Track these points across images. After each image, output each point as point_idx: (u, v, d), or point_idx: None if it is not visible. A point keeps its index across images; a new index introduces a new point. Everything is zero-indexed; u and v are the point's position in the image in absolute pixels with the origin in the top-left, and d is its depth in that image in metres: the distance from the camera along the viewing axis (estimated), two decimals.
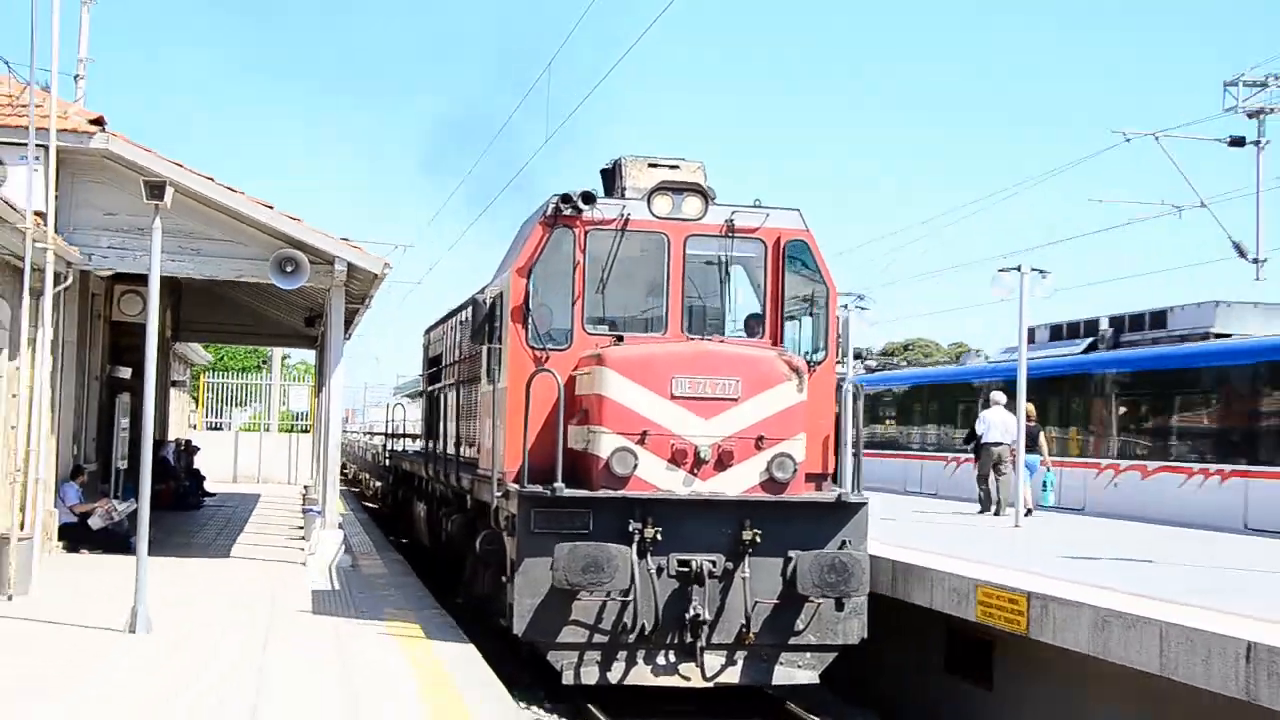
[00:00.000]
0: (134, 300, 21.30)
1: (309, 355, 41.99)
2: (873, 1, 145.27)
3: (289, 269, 17.10)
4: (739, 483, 11.77)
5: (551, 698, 12.56)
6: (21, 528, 14.39)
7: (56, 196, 15.32)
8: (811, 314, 13.35)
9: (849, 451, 12.94)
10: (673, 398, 11.64)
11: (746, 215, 12.98)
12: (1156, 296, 65.83)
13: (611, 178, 13.39)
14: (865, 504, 12.03)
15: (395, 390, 62.01)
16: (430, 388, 22.69)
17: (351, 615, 13.81)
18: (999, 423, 20.02)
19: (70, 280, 16.66)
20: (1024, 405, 18.80)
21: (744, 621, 11.45)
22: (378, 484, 36.34)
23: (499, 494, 12.19)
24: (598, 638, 11.42)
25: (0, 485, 15.66)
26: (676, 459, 11.63)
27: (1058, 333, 26.35)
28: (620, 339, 12.48)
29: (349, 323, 21.93)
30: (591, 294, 12.88)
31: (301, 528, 21.62)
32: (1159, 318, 25.94)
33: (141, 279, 15.75)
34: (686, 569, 11.41)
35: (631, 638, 11.36)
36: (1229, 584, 12.19)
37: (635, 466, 11.53)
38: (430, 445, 21.62)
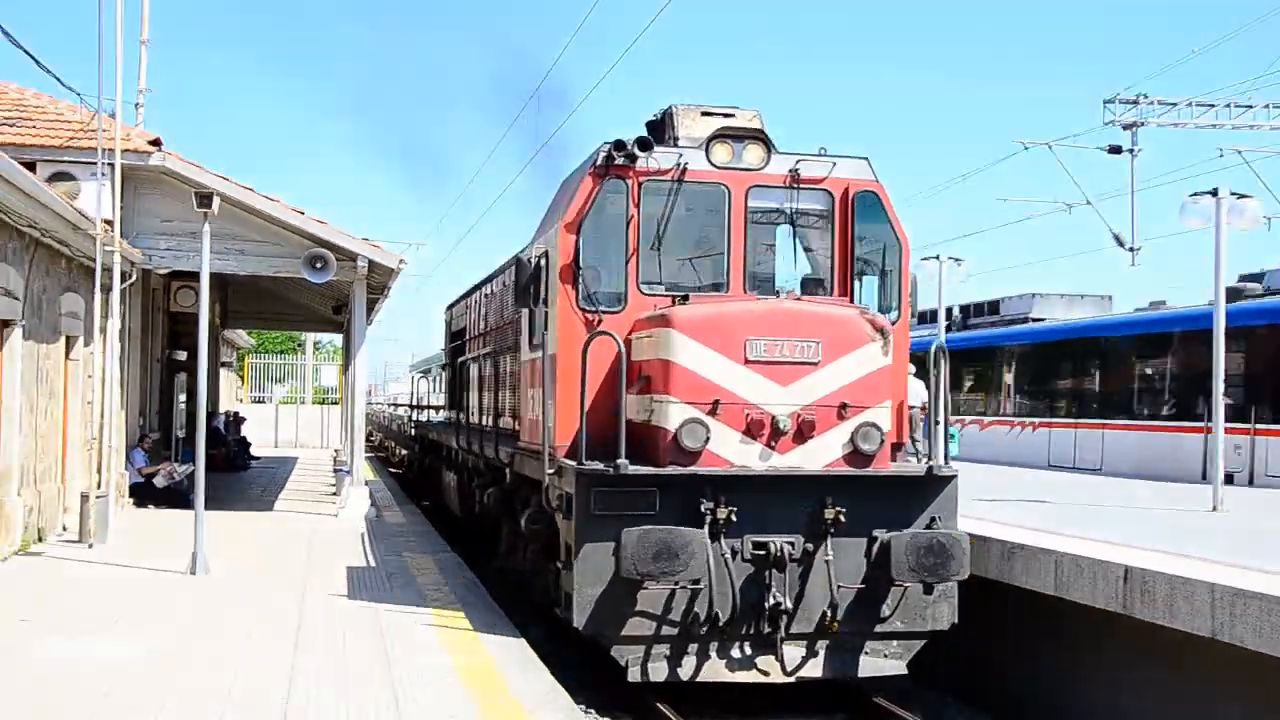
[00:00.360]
0: (188, 294, 21.31)
1: (337, 338, 41.98)
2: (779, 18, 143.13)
3: (318, 265, 17.06)
4: (820, 456, 9.35)
5: (594, 686, 9.90)
6: (98, 487, 14.57)
7: (121, 207, 15.29)
8: (883, 271, 10.86)
9: (933, 420, 10.89)
10: (747, 362, 9.22)
11: (812, 164, 10.49)
12: (1055, 281, 66.99)
13: (661, 129, 10.79)
14: (955, 477, 9.60)
15: (411, 368, 61.65)
16: (454, 361, 20.02)
17: (377, 556, 13.91)
18: (913, 389, 20.40)
19: (134, 278, 16.67)
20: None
21: (826, 609, 9.11)
22: (403, 451, 33.24)
23: (551, 471, 9.59)
24: (666, 629, 9.04)
25: (80, 452, 15.84)
26: (752, 430, 9.20)
27: (923, 317, 27.60)
28: (685, 298, 9.91)
29: (370, 310, 21.94)
30: (646, 251, 10.29)
31: (333, 485, 21.56)
32: (994, 306, 29.26)
33: (194, 276, 15.93)
34: (763, 552, 9.07)
35: (704, 629, 9.01)
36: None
37: (707, 440, 9.08)
38: (457, 416, 18.89)
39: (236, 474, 26.77)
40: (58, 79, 15.41)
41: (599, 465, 8.99)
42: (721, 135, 10.33)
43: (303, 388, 54.71)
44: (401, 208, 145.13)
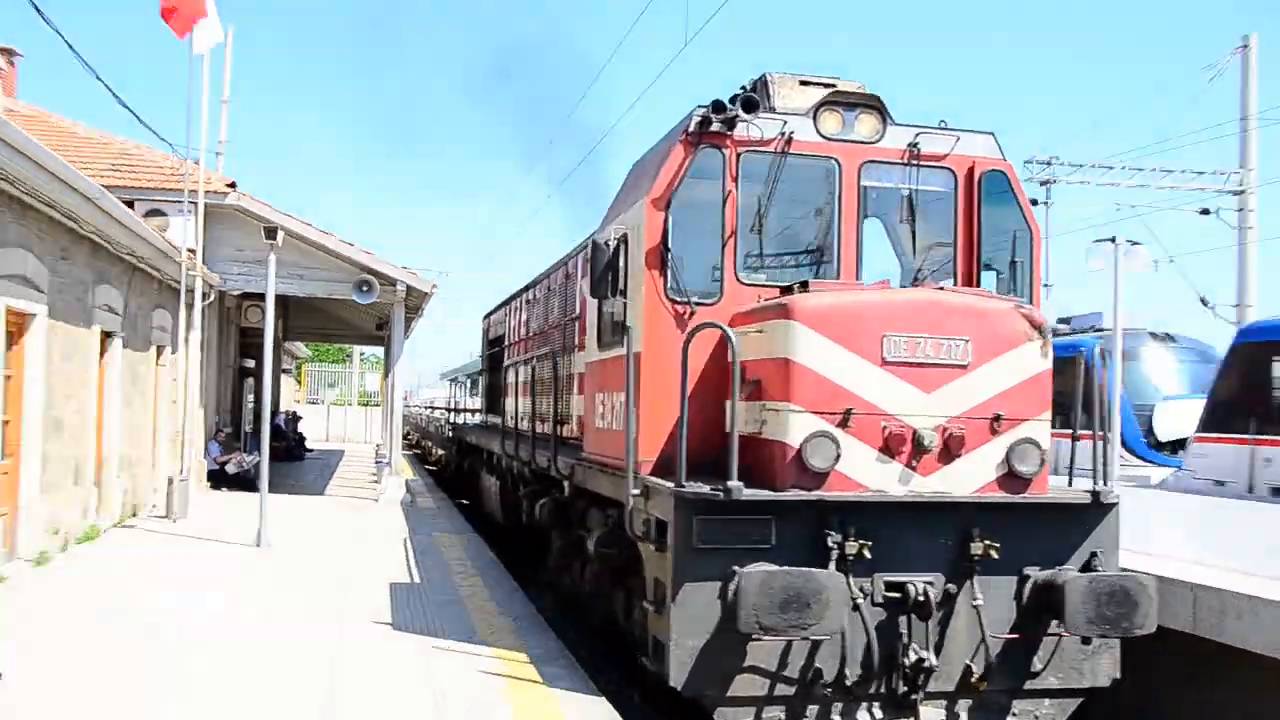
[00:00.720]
0: (256, 311, 21.29)
1: (379, 350, 42.41)
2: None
3: (365, 289, 17.43)
4: (970, 479, 6.76)
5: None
6: (181, 472, 14.88)
7: (202, 238, 15.36)
8: (1011, 262, 8.15)
9: (1096, 434, 7.33)
10: (884, 363, 6.68)
11: (933, 138, 7.96)
12: None
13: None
14: (1118, 504, 6.99)
15: (443, 375, 61.68)
16: (492, 366, 18.20)
17: (410, 535, 14.12)
18: None
19: (212, 298, 16.89)
20: None
21: (972, 663, 6.64)
22: (440, 451, 29.84)
23: (636, 492, 7.07)
24: (781, 688, 6.49)
25: (167, 442, 16.15)
26: (890, 447, 6.64)
27: None
28: (804, 285, 7.23)
29: (408, 326, 21.80)
30: (745, 233, 7.75)
31: (375, 475, 21.52)
32: None
33: (261, 296, 15.55)
34: (898, 595, 6.53)
35: (828, 689, 6.51)
36: None
37: (837, 458, 6.54)
38: (502, 421, 15.85)
39: (294, 463, 26.70)
40: (155, 133, 16.07)
41: (702, 487, 6.47)
42: (831, 102, 7.85)
43: (350, 392, 55.27)
44: (433, 234, 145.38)
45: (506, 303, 16.76)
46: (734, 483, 6.22)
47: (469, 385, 32.02)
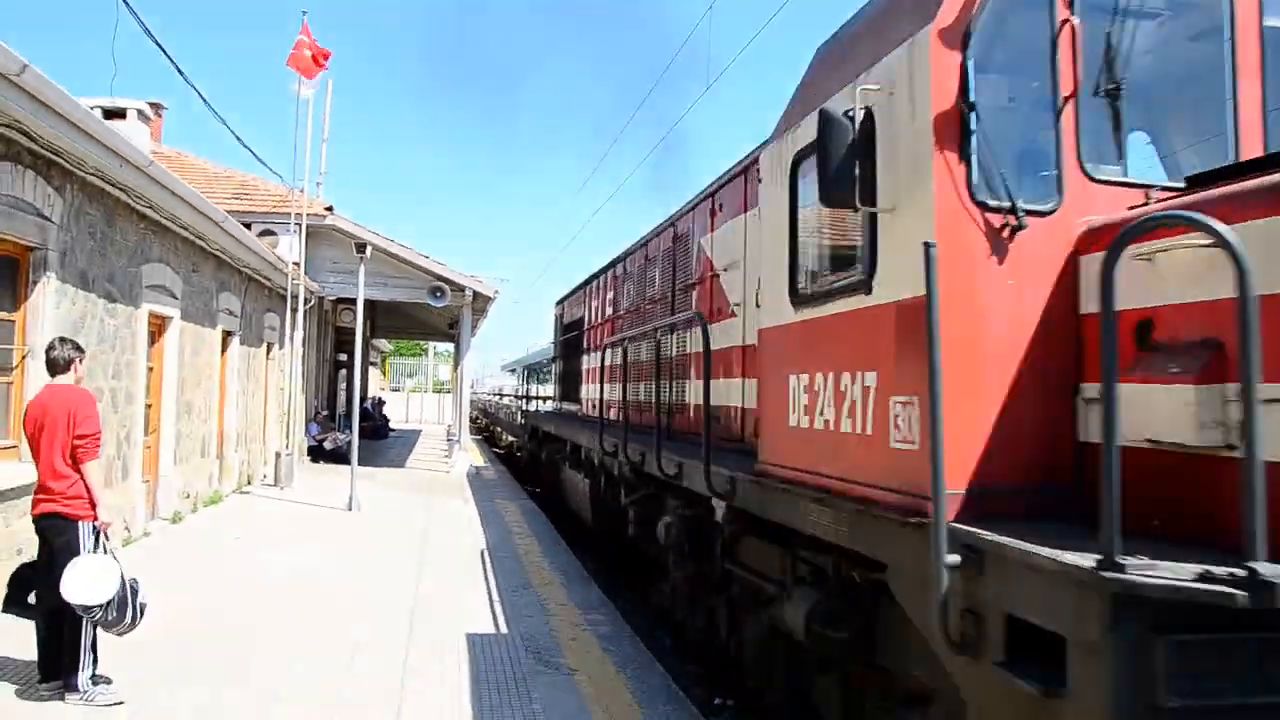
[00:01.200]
0: (348, 314, 21.35)
1: (449, 346, 42.76)
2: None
3: (438, 294, 17.69)
4: None
5: None
6: (286, 448, 15.15)
7: (305, 252, 15.65)
8: None
9: None
10: None
11: None
12: None
13: None
14: None
15: (502, 367, 61.83)
16: (569, 353, 15.15)
17: (476, 501, 14.37)
18: None
19: (312, 302, 17.30)
20: None
21: None
22: (510, 438, 24.96)
23: (953, 560, 2.85)
24: None
25: (275, 423, 16.42)
26: None
27: None
28: (1212, 177, 3.09)
29: (475, 325, 22.02)
30: (1089, 99, 3.44)
31: (446, 451, 21.67)
32: None
33: (352, 301, 15.60)
34: None
35: None
36: None
37: None
38: (573, 408, 13.92)
39: (380, 441, 26.80)
40: (268, 166, 16.41)
41: (1149, 565, 2.39)
42: None
43: (426, 381, 55.81)
44: (499, 242, 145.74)
45: (585, 285, 13.84)
46: (1266, 565, 2.28)
47: (536, 373, 27.42)
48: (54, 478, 4.80)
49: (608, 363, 10.82)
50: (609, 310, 11.64)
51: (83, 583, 4.64)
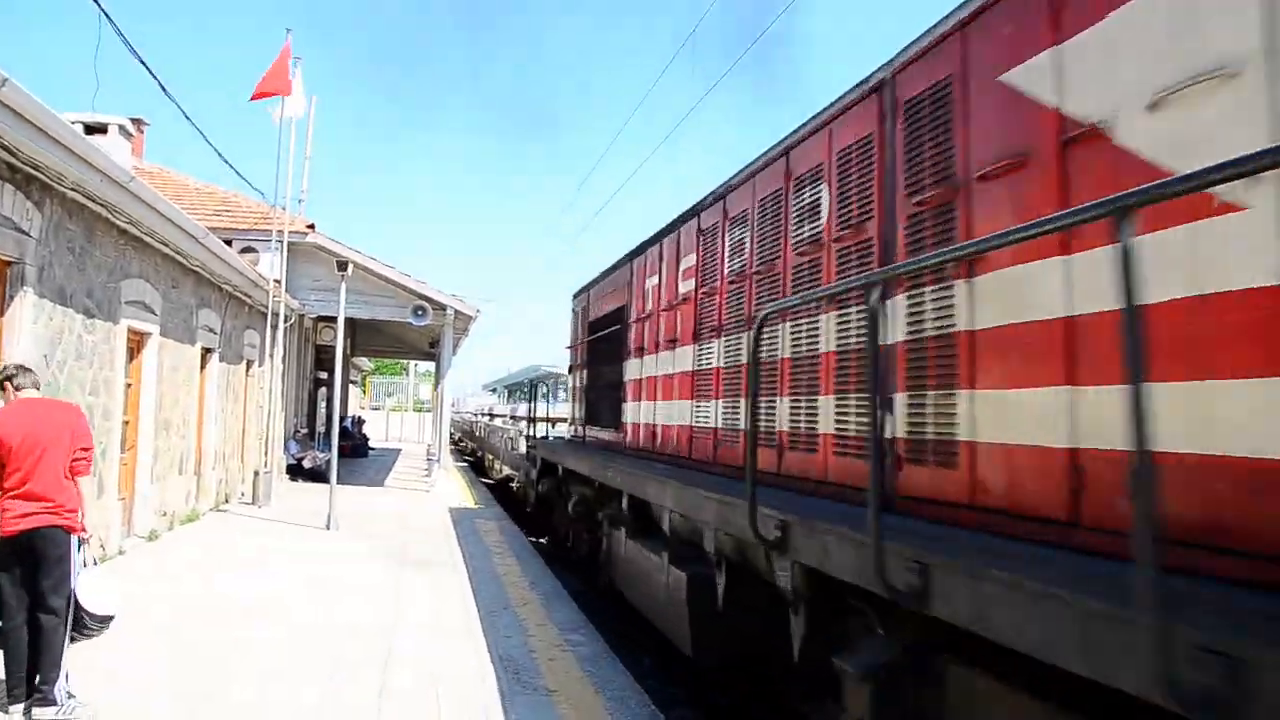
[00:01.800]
0: (328, 331, 21.46)
1: (430, 365, 42.65)
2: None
3: (419, 313, 17.59)
4: None
5: None
6: (265, 466, 15.03)
7: (286, 270, 15.50)
8: None
9: None
10: None
11: None
12: None
13: None
14: None
15: (483, 387, 61.67)
16: (597, 358, 11.18)
17: (454, 517, 14.16)
18: None
19: (293, 320, 17.13)
20: None
21: None
22: (508, 470, 19.62)
23: None
24: None
25: (254, 441, 16.21)
26: None
27: None
28: None
29: (455, 345, 21.58)
30: None
31: (426, 470, 21.48)
32: None
33: (333, 319, 16.25)
34: None
35: None
36: None
37: None
38: (604, 435, 10.47)
39: (359, 460, 26.59)
40: (250, 183, 16.39)
41: None
42: None
43: (406, 400, 55.55)
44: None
45: (630, 258, 9.81)
46: None
47: (527, 392, 22.63)
48: (58, 492, 4.82)
49: (694, 366, 7.15)
50: (686, 286, 7.61)
51: (103, 594, 4.84)
